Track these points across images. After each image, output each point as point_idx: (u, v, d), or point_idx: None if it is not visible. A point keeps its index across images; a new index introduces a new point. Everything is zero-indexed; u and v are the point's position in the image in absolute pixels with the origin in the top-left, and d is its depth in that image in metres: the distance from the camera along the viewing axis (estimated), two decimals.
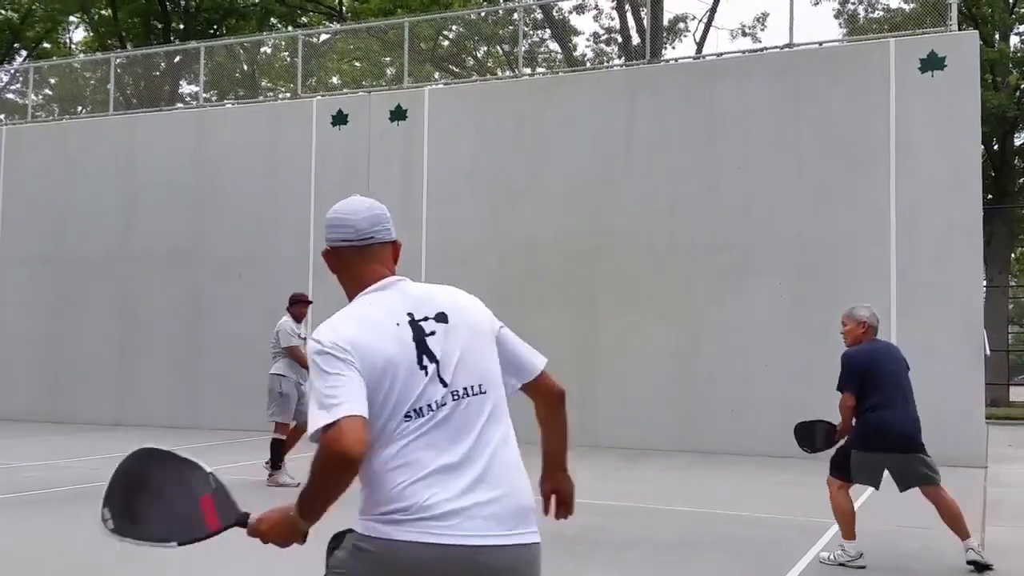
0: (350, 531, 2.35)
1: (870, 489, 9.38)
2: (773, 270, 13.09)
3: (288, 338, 9.83)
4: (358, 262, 2.52)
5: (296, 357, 9.67)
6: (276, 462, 9.61)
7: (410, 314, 2.42)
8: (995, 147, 27.22)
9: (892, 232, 12.58)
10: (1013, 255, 33.52)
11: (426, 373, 2.35)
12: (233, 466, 11.13)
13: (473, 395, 2.39)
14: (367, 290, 2.49)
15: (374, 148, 15.58)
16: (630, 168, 14.04)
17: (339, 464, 2.17)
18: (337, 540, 2.40)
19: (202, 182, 16.69)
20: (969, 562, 6.12)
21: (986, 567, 6.07)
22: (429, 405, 2.33)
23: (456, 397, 2.36)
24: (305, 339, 9.80)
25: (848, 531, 6.28)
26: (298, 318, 10.04)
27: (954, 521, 6.19)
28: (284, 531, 2.36)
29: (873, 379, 6.20)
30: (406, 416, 2.30)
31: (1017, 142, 28.41)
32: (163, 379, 16.60)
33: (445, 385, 2.36)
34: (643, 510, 6.47)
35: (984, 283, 13.09)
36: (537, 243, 14.39)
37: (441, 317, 2.44)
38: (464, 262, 14.59)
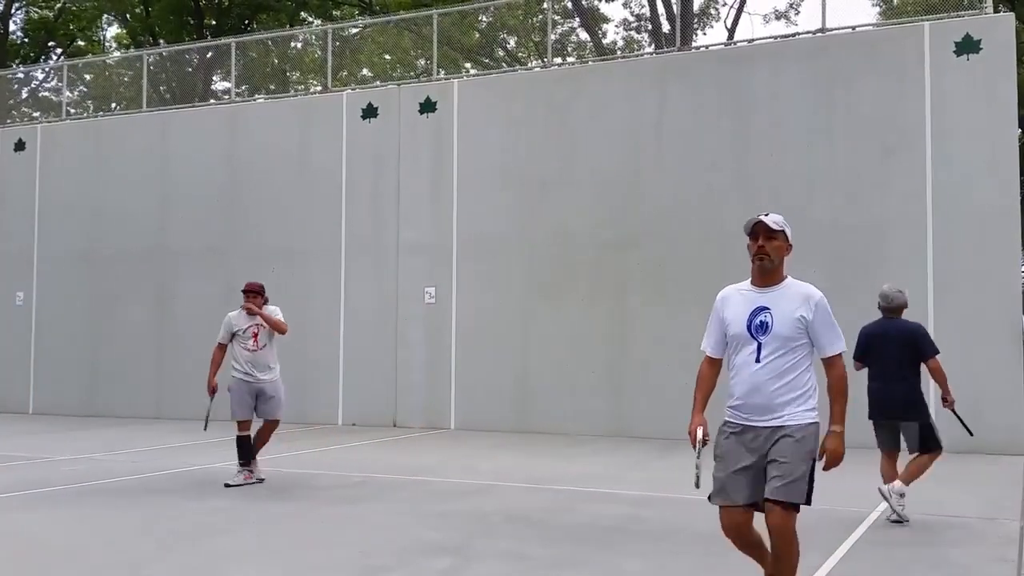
0: None
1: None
2: (807, 257, 12.95)
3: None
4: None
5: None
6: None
7: None
8: None
9: (928, 218, 12.43)
10: None
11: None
12: (269, 458, 11.22)
13: None
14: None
15: (404, 141, 15.62)
16: (661, 157, 13.97)
17: None
18: None
19: (234, 177, 16.82)
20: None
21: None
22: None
23: None
24: (235, 334, 9.85)
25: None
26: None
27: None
28: None
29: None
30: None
31: None
32: (199, 373, 16.68)
33: None
34: (678, 500, 6.45)
35: (1022, 269, 12.89)
36: (568, 233, 14.36)
37: None
38: (495, 253, 14.61)
